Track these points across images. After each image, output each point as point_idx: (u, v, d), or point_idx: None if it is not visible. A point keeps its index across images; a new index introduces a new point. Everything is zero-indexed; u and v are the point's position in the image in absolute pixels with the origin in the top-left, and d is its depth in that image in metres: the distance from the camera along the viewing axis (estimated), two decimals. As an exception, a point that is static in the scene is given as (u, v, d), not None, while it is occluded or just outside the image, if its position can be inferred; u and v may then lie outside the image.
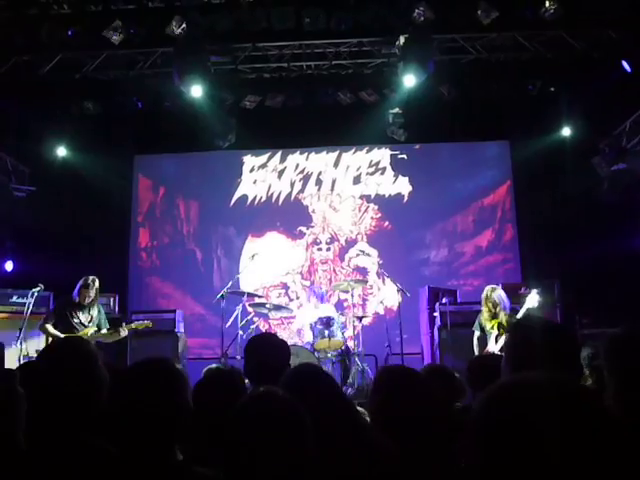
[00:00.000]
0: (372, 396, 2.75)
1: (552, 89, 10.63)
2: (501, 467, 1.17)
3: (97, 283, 7.52)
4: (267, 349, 3.57)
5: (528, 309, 7.27)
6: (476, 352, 7.45)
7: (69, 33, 9.00)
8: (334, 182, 11.95)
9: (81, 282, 7.47)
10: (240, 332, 8.73)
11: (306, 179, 11.98)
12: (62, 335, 7.21)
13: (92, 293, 7.48)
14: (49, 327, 7.31)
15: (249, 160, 12.05)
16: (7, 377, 1.97)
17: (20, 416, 1.92)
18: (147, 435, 2.15)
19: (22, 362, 6.85)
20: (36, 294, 7.93)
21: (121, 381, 2.25)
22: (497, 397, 1.24)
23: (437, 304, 9.32)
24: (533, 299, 7.30)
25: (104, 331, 7.52)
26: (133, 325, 7.95)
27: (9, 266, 10.80)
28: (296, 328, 9.80)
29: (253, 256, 10.10)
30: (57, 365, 2.26)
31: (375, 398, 2.71)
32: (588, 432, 1.15)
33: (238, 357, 8.49)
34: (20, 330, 7.60)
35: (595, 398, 1.22)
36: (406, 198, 11.77)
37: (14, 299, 9.34)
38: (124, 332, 7.61)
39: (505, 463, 1.17)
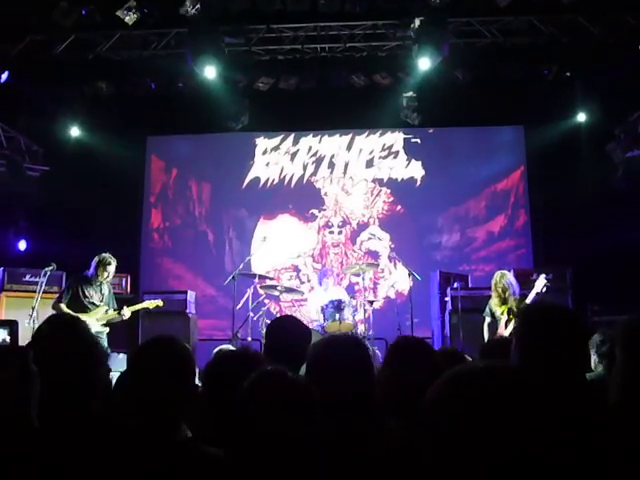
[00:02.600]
0: (385, 365, 2.75)
1: (568, 74, 10.53)
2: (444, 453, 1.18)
3: (115, 260, 7.57)
4: (289, 331, 3.59)
5: (537, 294, 7.29)
6: (486, 338, 7.46)
7: (83, 13, 8.98)
8: (347, 165, 11.93)
9: (98, 259, 7.48)
10: (251, 314, 8.77)
11: (319, 162, 11.96)
12: (75, 314, 7.25)
13: (112, 269, 7.53)
14: (63, 306, 7.35)
15: (262, 142, 12.04)
16: (20, 355, 1.99)
17: (34, 394, 1.94)
18: (154, 412, 2.17)
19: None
20: (49, 273, 7.96)
21: (131, 359, 2.27)
22: (440, 389, 1.24)
23: (448, 289, 9.32)
24: (541, 283, 7.33)
25: (111, 311, 7.55)
26: (145, 304, 8.00)
27: (22, 245, 10.88)
28: (307, 311, 9.82)
29: (265, 238, 10.12)
30: (57, 343, 2.28)
31: (388, 367, 2.72)
32: (527, 420, 1.15)
33: (249, 338, 8.55)
34: (33, 309, 7.65)
35: (535, 386, 1.22)
36: (419, 182, 11.74)
37: (27, 278, 9.41)
38: (127, 314, 7.63)
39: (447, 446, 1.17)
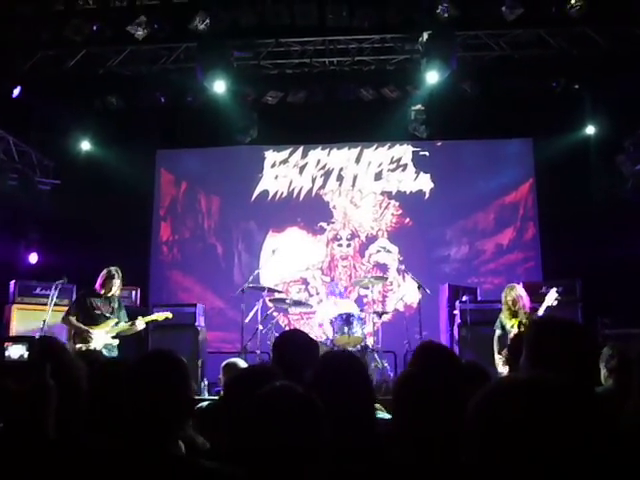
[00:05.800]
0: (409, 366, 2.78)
1: (576, 87, 10.55)
2: (494, 461, 1.20)
3: (121, 274, 7.58)
4: (296, 346, 3.59)
5: (547, 307, 7.32)
6: (495, 351, 7.44)
7: (94, 28, 9.07)
8: (355, 178, 11.94)
9: (105, 273, 7.50)
10: (260, 327, 8.79)
11: (327, 175, 11.98)
12: (84, 327, 7.28)
13: (117, 283, 7.53)
14: (72, 319, 7.36)
15: (271, 155, 12.08)
16: (38, 370, 2.01)
17: (50, 408, 1.96)
18: (147, 427, 2.16)
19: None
20: (60, 286, 8.01)
21: (124, 373, 2.28)
22: (491, 396, 1.27)
23: (457, 302, 9.30)
24: (552, 297, 7.37)
25: (122, 324, 7.53)
26: (154, 316, 7.96)
27: (33, 258, 10.93)
28: (316, 324, 9.81)
29: (273, 251, 10.16)
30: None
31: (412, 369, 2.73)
32: (582, 432, 1.18)
33: (258, 351, 8.56)
34: (43, 322, 7.69)
35: (590, 398, 1.25)
36: (427, 195, 11.74)
37: (38, 291, 9.45)
38: (141, 325, 7.62)
39: (497, 456, 1.20)
